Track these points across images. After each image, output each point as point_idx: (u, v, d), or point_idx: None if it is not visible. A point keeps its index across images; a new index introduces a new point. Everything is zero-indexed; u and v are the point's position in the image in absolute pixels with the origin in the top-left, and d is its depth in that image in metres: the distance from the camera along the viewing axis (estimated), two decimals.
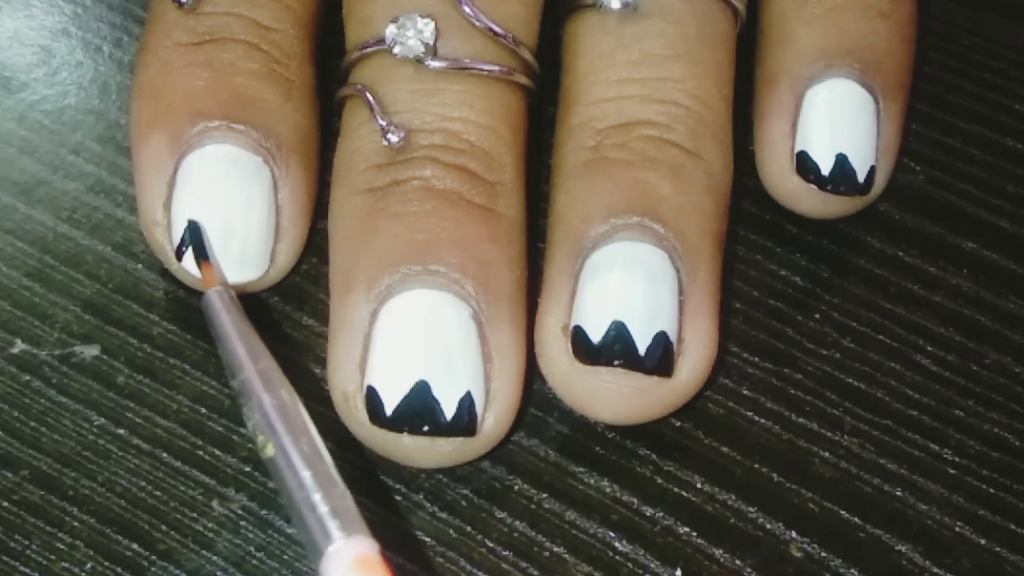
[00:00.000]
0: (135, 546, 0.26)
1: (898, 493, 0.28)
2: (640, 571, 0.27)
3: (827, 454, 0.28)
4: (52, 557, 0.26)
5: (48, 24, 0.35)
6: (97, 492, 0.27)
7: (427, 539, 0.27)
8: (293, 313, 0.30)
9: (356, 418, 0.26)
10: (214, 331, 0.25)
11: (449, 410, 0.26)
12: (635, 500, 0.27)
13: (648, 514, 0.27)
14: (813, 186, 0.30)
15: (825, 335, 0.30)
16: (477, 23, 0.28)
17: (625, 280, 0.27)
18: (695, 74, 0.29)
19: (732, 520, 0.27)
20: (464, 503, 0.27)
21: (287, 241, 0.29)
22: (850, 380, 0.29)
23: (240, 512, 0.27)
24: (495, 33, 0.28)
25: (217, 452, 0.28)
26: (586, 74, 0.29)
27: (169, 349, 0.29)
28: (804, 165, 0.30)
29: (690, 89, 0.29)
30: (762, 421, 0.29)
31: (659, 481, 0.28)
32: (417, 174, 0.27)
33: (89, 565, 0.26)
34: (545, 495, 0.27)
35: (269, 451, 0.23)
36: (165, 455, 0.27)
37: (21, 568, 0.26)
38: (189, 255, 0.28)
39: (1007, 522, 0.27)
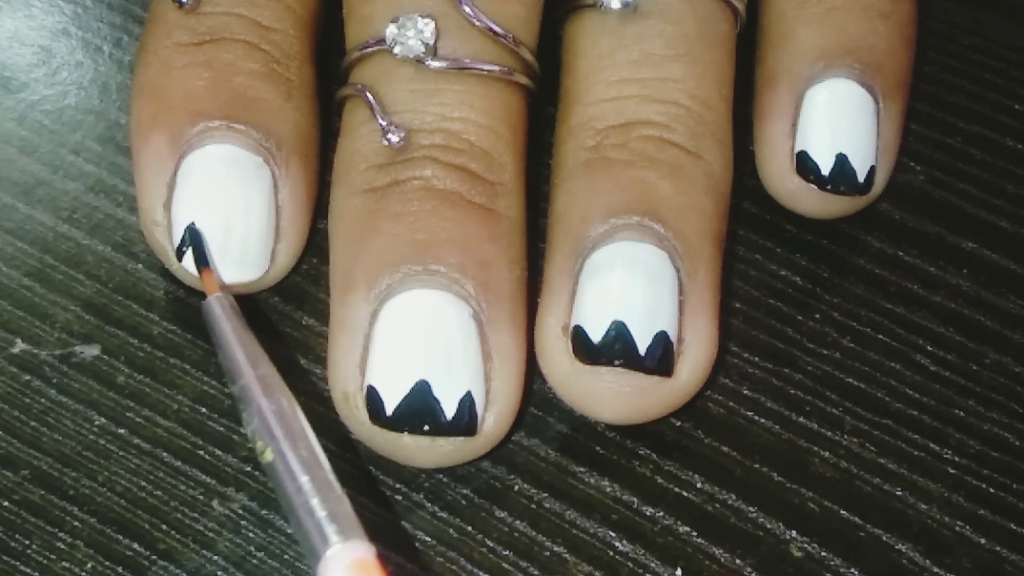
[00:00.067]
0: (135, 546, 0.26)
1: (898, 493, 0.28)
2: (640, 571, 0.27)
3: (827, 454, 0.28)
4: (52, 557, 0.26)
5: (48, 24, 0.35)
6: (97, 492, 0.27)
7: (427, 539, 0.27)
8: (293, 313, 0.30)
9: (356, 418, 0.26)
10: (214, 337, 0.25)
11: (449, 410, 0.26)
12: (635, 500, 0.27)
13: (648, 514, 0.27)
14: (813, 186, 0.30)
15: (825, 335, 0.30)
16: (477, 23, 0.28)
17: (625, 280, 0.27)
18: (695, 74, 0.29)
19: (732, 520, 0.27)
20: (464, 503, 0.27)
21: (287, 241, 0.29)
22: (850, 380, 0.29)
23: (240, 512, 0.27)
24: (495, 33, 0.28)
25: (217, 452, 0.28)
26: (586, 74, 0.29)
27: (169, 349, 0.29)
28: (804, 165, 0.30)
29: (690, 89, 0.29)
30: (762, 421, 0.29)
31: (659, 481, 0.28)
32: (417, 174, 0.27)
33: (89, 565, 0.26)
34: (545, 495, 0.27)
35: (268, 456, 0.23)
36: (165, 455, 0.28)
37: (21, 568, 0.26)
38: (189, 255, 0.28)
39: (1007, 522, 0.27)
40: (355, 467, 0.28)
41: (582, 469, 0.28)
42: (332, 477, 0.22)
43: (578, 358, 0.27)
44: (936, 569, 0.27)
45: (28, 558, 0.26)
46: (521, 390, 0.27)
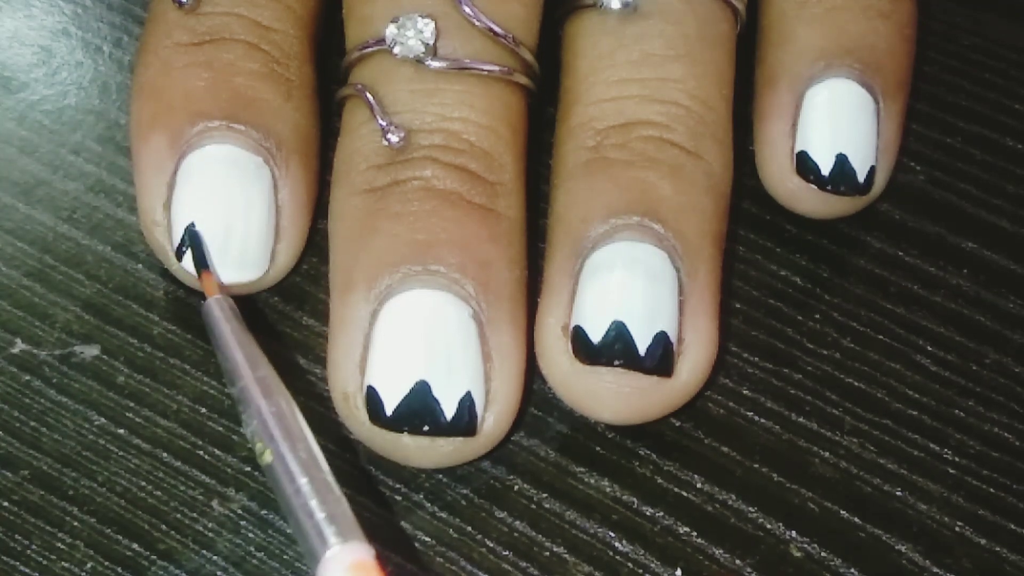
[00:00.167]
0: (135, 546, 0.26)
1: (898, 493, 0.28)
2: (640, 571, 0.27)
3: (827, 454, 0.28)
4: (52, 557, 0.26)
5: (48, 24, 0.35)
6: (97, 492, 0.27)
7: (427, 539, 0.27)
8: (293, 313, 0.30)
9: (356, 418, 0.26)
10: (213, 340, 0.25)
11: (449, 410, 0.26)
12: (635, 500, 0.27)
13: (648, 514, 0.27)
14: (813, 186, 0.30)
15: (825, 335, 0.30)
16: (477, 23, 0.28)
17: (625, 280, 0.27)
18: (695, 74, 0.29)
19: (732, 520, 0.27)
20: (464, 503, 0.27)
21: (287, 241, 0.29)
22: (850, 380, 0.29)
23: (240, 512, 0.27)
24: (495, 33, 0.28)
25: (217, 452, 0.28)
26: (586, 74, 0.29)
27: (169, 349, 0.29)
28: (804, 165, 0.30)
29: (690, 89, 0.29)
30: (762, 421, 0.29)
31: (659, 481, 0.28)
32: (417, 174, 0.27)
33: (89, 565, 0.26)
34: (545, 495, 0.27)
35: (267, 458, 0.23)
36: (165, 455, 0.28)
37: (21, 568, 0.26)
38: (189, 255, 0.28)
39: (1007, 522, 0.27)
40: (355, 467, 0.28)
41: (582, 469, 0.28)
42: (331, 478, 0.23)
43: (578, 358, 0.27)
44: (936, 569, 0.27)
45: (28, 558, 0.26)
46: (521, 390, 0.27)
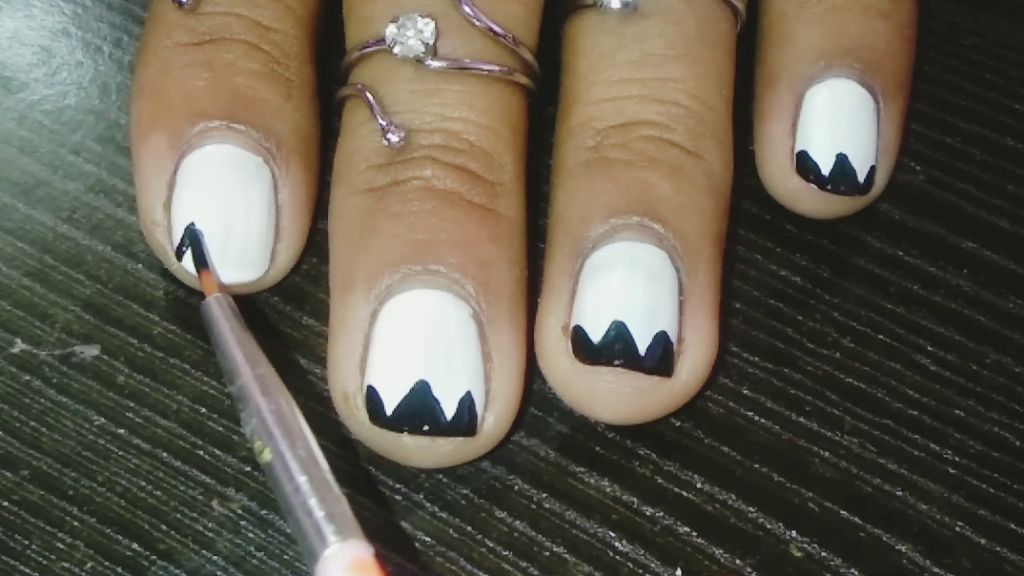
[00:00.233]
0: (135, 546, 0.26)
1: (898, 493, 0.28)
2: (640, 571, 0.27)
3: (827, 454, 0.28)
4: (52, 557, 0.26)
5: (48, 24, 0.35)
6: (97, 492, 0.27)
7: (427, 539, 0.27)
8: (293, 313, 0.30)
9: (356, 418, 0.26)
10: (213, 338, 0.25)
11: (449, 410, 0.26)
12: (635, 500, 0.27)
13: (648, 514, 0.27)
14: (813, 186, 0.30)
15: (825, 335, 0.30)
16: (477, 23, 0.28)
17: (625, 280, 0.27)
18: (695, 74, 0.29)
19: (732, 520, 0.27)
20: (464, 503, 0.27)
21: (287, 241, 0.29)
22: (850, 380, 0.29)
23: (240, 512, 0.27)
24: (495, 33, 0.28)
25: (217, 452, 0.28)
26: (586, 74, 0.29)
27: (169, 349, 0.29)
28: (804, 165, 0.30)
29: (690, 89, 0.29)
30: (762, 421, 0.29)
31: (659, 481, 0.28)
32: (417, 174, 0.27)
33: (89, 565, 0.26)
34: (545, 495, 0.27)
35: (266, 456, 0.23)
36: (165, 455, 0.28)
37: (21, 568, 0.26)
38: (189, 255, 0.28)
39: (1007, 522, 0.27)
40: (354, 467, 0.28)
41: (582, 469, 0.28)
42: (330, 477, 0.23)
43: (578, 358, 0.27)
44: (936, 569, 0.27)
45: (28, 558, 0.26)
46: (521, 390, 0.27)
